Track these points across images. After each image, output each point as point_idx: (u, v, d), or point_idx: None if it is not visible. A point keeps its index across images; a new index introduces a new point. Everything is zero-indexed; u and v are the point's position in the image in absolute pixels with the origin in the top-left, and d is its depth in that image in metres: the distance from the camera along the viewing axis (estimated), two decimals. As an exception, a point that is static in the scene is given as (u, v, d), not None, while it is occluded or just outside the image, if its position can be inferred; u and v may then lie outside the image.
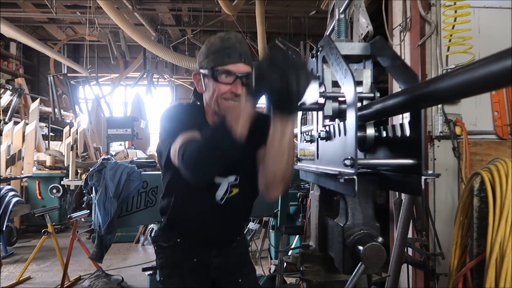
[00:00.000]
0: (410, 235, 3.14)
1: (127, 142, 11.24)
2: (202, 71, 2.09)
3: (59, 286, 5.23)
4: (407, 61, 3.37)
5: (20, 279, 5.63)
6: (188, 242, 2.30)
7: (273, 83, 1.48)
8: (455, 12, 3.08)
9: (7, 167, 8.34)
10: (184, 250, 2.30)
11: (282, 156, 1.76)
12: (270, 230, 5.67)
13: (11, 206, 5.00)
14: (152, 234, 2.48)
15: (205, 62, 2.07)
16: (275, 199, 2.19)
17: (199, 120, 2.12)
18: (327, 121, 1.76)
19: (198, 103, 2.28)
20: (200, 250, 2.32)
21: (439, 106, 3.12)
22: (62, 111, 11.34)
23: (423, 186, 1.31)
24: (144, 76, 12.94)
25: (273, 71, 1.48)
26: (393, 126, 1.50)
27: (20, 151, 8.75)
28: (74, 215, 5.62)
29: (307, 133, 1.96)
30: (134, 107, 14.38)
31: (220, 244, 2.36)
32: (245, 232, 2.51)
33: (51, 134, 12.92)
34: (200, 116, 2.18)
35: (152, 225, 6.91)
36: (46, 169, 9.03)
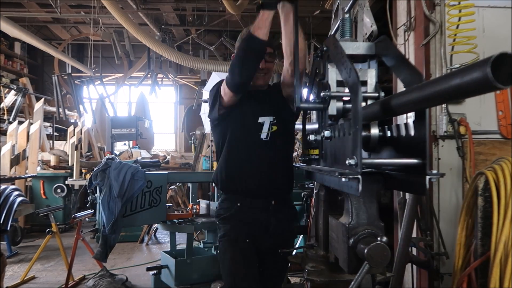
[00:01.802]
0: (414, 234, 3.14)
1: (131, 142, 11.26)
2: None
3: (64, 286, 5.24)
4: (411, 60, 3.37)
5: (25, 278, 5.64)
6: (248, 202, 2.78)
7: None
8: (460, 11, 3.07)
9: (11, 166, 8.36)
10: (244, 214, 2.77)
11: (291, 36, 2.51)
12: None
13: (15, 206, 5.01)
14: (216, 208, 3.00)
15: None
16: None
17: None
18: (331, 121, 1.76)
19: None
20: (259, 208, 2.79)
21: (443, 105, 3.12)
22: (66, 111, 11.36)
23: (427, 186, 1.31)
24: (148, 75, 12.93)
25: None
26: (398, 126, 1.50)
27: (24, 150, 8.77)
28: (78, 214, 5.64)
29: (311, 132, 1.96)
30: (138, 107, 14.39)
31: (276, 196, 2.84)
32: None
33: (55, 133, 12.93)
34: None
35: (156, 224, 6.92)
36: (51, 169, 9.05)
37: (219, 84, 2.86)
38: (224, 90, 2.72)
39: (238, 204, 2.79)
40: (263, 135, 2.81)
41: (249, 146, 2.82)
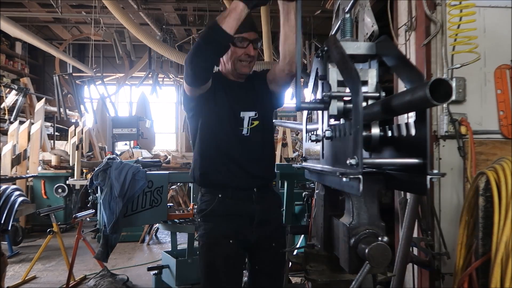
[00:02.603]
0: (415, 234, 3.14)
1: (132, 142, 11.27)
2: None
3: (65, 286, 5.25)
4: (412, 60, 3.36)
5: (26, 278, 5.65)
6: (229, 192, 2.68)
7: None
8: (461, 11, 3.07)
9: (12, 166, 8.36)
10: (226, 206, 2.67)
11: (291, 35, 2.47)
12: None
13: (16, 206, 5.01)
14: (197, 205, 2.87)
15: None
16: (292, 71, 2.66)
17: (219, 84, 2.74)
18: (332, 121, 1.76)
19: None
20: (241, 198, 2.70)
21: (444, 105, 3.11)
22: (67, 111, 11.36)
23: (428, 186, 1.31)
24: (149, 75, 12.94)
25: None
26: (399, 126, 1.50)
27: (25, 150, 8.77)
28: (79, 214, 5.64)
29: (312, 133, 1.96)
30: (139, 107, 14.39)
31: (257, 185, 2.75)
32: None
33: (56, 133, 12.95)
34: (221, 78, 2.79)
35: (157, 224, 6.92)
36: (52, 169, 9.06)
37: None
38: (184, 69, 2.55)
39: (219, 196, 2.68)
40: (244, 131, 2.74)
41: (226, 141, 2.72)
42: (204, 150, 2.76)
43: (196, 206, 5.40)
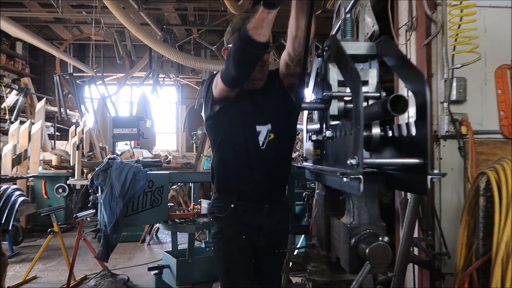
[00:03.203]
0: (416, 234, 3.14)
1: (132, 142, 11.27)
2: (230, 46, 2.59)
3: (65, 286, 5.26)
4: (413, 60, 3.36)
5: (26, 278, 5.65)
6: (242, 204, 2.73)
7: None
8: (461, 11, 3.07)
9: (13, 166, 8.36)
10: (238, 215, 2.72)
11: (299, 33, 2.30)
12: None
13: (17, 206, 5.00)
14: (209, 205, 2.94)
15: (231, 39, 2.62)
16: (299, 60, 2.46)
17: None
18: (333, 121, 1.76)
19: None
20: (253, 211, 2.74)
21: (445, 105, 3.12)
22: (68, 111, 11.35)
23: (429, 186, 1.31)
24: (150, 75, 12.94)
25: None
26: (399, 126, 1.50)
27: (26, 150, 8.77)
28: (80, 214, 5.64)
29: (313, 133, 1.96)
30: (140, 107, 14.40)
31: (270, 200, 2.77)
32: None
33: (57, 133, 12.96)
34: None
35: (157, 224, 6.92)
36: (52, 169, 9.06)
37: (210, 79, 2.73)
38: (217, 82, 2.57)
39: (232, 206, 2.74)
40: (261, 144, 2.73)
41: (243, 153, 2.74)
42: (222, 158, 2.82)
43: (199, 206, 5.45)
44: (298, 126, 3.10)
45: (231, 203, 2.74)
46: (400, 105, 1.39)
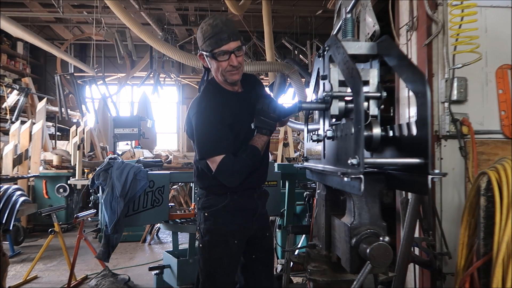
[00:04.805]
0: (416, 234, 3.14)
1: (133, 142, 11.27)
2: (204, 53, 2.77)
3: (66, 286, 5.26)
4: (414, 60, 3.36)
5: (27, 278, 5.65)
6: (237, 191, 2.89)
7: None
8: (462, 11, 3.07)
9: (14, 166, 8.36)
10: (235, 202, 2.90)
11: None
12: (277, 230, 5.67)
13: (18, 206, 5.01)
14: (201, 198, 3.08)
15: (204, 46, 2.73)
16: None
17: (220, 100, 2.84)
18: (333, 121, 1.76)
19: (210, 78, 3.02)
20: (248, 196, 2.96)
21: (446, 105, 3.11)
22: (68, 111, 11.36)
23: (430, 186, 1.31)
24: (151, 75, 12.96)
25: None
26: (400, 126, 1.50)
27: (27, 150, 8.78)
28: (80, 214, 5.64)
29: (313, 133, 1.96)
30: (141, 107, 14.40)
31: (259, 187, 3.07)
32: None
33: (57, 133, 12.97)
34: (218, 92, 2.89)
35: (158, 224, 6.92)
36: (53, 169, 9.06)
37: (193, 116, 2.88)
38: (218, 177, 2.81)
39: (228, 193, 2.89)
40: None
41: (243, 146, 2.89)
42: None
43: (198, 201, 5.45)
44: (298, 126, 3.14)
45: (228, 191, 2.89)
46: None
